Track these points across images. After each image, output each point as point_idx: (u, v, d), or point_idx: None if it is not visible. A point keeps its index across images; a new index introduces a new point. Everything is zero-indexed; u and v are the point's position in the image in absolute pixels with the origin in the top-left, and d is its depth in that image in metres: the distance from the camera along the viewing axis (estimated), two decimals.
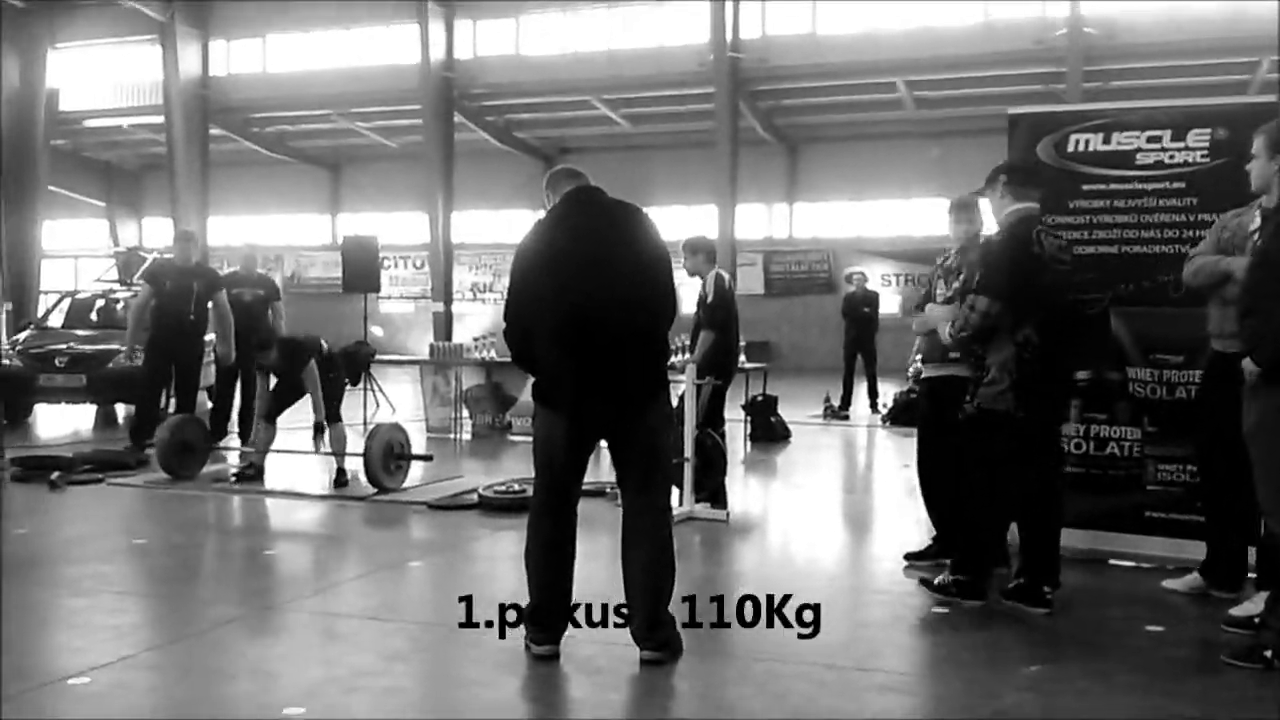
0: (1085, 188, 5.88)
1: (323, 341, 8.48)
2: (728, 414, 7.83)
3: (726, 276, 7.56)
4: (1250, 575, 4.93)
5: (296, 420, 8.49)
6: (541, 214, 4.40)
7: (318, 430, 8.09)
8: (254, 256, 11.11)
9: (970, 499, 5.05)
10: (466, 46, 26.35)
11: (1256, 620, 4.36)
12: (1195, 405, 5.29)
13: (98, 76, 29.46)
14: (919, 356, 6.48)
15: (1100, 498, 5.85)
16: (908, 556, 5.86)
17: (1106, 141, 5.88)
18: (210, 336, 9.92)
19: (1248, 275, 4.23)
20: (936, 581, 5.06)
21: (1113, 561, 5.80)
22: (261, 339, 8.55)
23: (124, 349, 9.99)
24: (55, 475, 8.11)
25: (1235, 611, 4.67)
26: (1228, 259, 4.72)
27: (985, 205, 5.33)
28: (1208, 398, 4.99)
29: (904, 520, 7.31)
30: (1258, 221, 4.52)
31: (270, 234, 32.40)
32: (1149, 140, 5.78)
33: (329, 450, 8.16)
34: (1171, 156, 5.60)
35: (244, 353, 9.50)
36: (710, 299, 7.38)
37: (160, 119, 27.94)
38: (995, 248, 4.98)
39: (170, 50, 27.16)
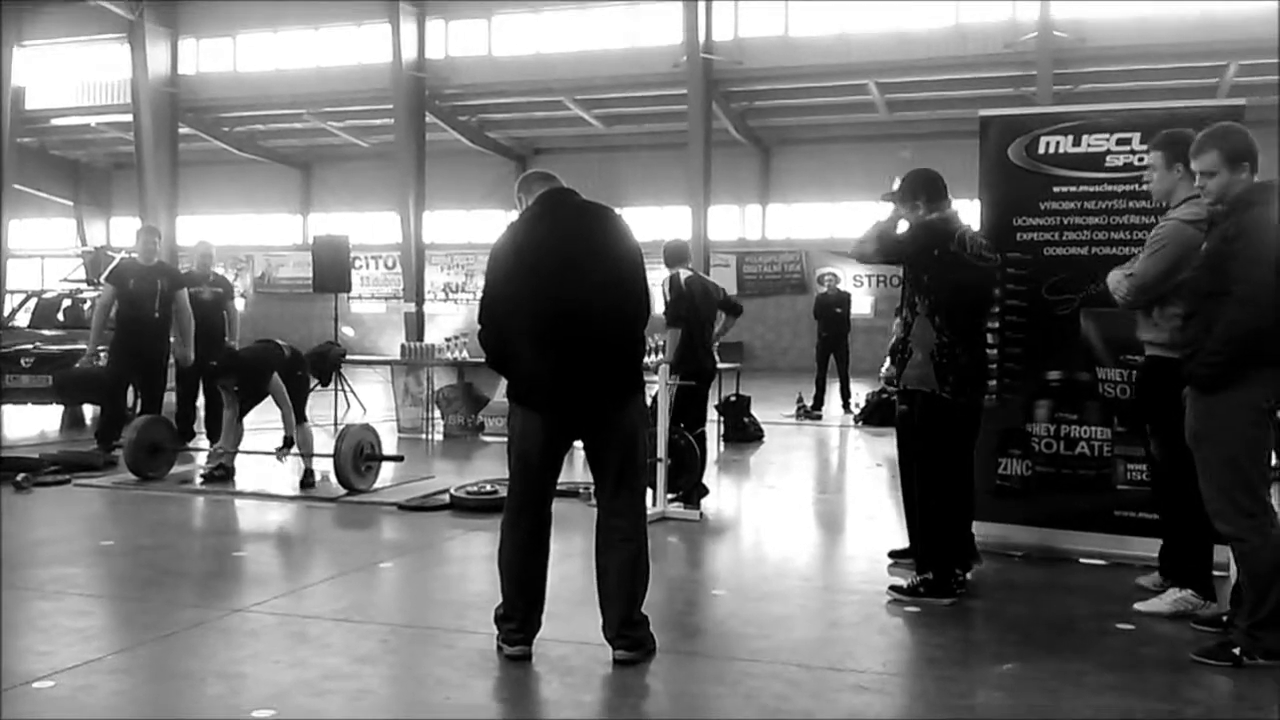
0: (1056, 189, 5.92)
1: (281, 344, 8.39)
2: None
3: (685, 275, 7.76)
4: (1216, 574, 4.97)
5: (266, 420, 8.42)
6: (514, 215, 4.39)
7: (286, 444, 8.01)
8: (210, 254, 10.75)
9: (923, 495, 5.13)
10: (438, 46, 26.27)
11: (1224, 619, 4.39)
12: (1135, 410, 5.36)
13: (65, 75, 29.17)
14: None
15: (1070, 497, 5.89)
16: (892, 554, 5.89)
17: (1077, 144, 5.92)
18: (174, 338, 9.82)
19: (1192, 279, 4.30)
20: (906, 584, 5.09)
21: (1083, 560, 5.84)
22: (220, 364, 8.41)
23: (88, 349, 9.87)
24: (21, 476, 7.99)
25: (1141, 608, 4.83)
26: (1119, 271, 4.85)
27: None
28: (1144, 402, 5.05)
29: (876, 520, 7.33)
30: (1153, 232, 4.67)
31: (241, 234, 32.18)
32: (1119, 143, 5.83)
33: (298, 451, 8.09)
34: (1141, 159, 5.62)
35: (205, 352, 9.40)
36: (668, 297, 7.67)
37: (129, 117, 27.69)
38: (916, 243, 5.21)
39: (139, 49, 26.93)
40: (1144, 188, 5.54)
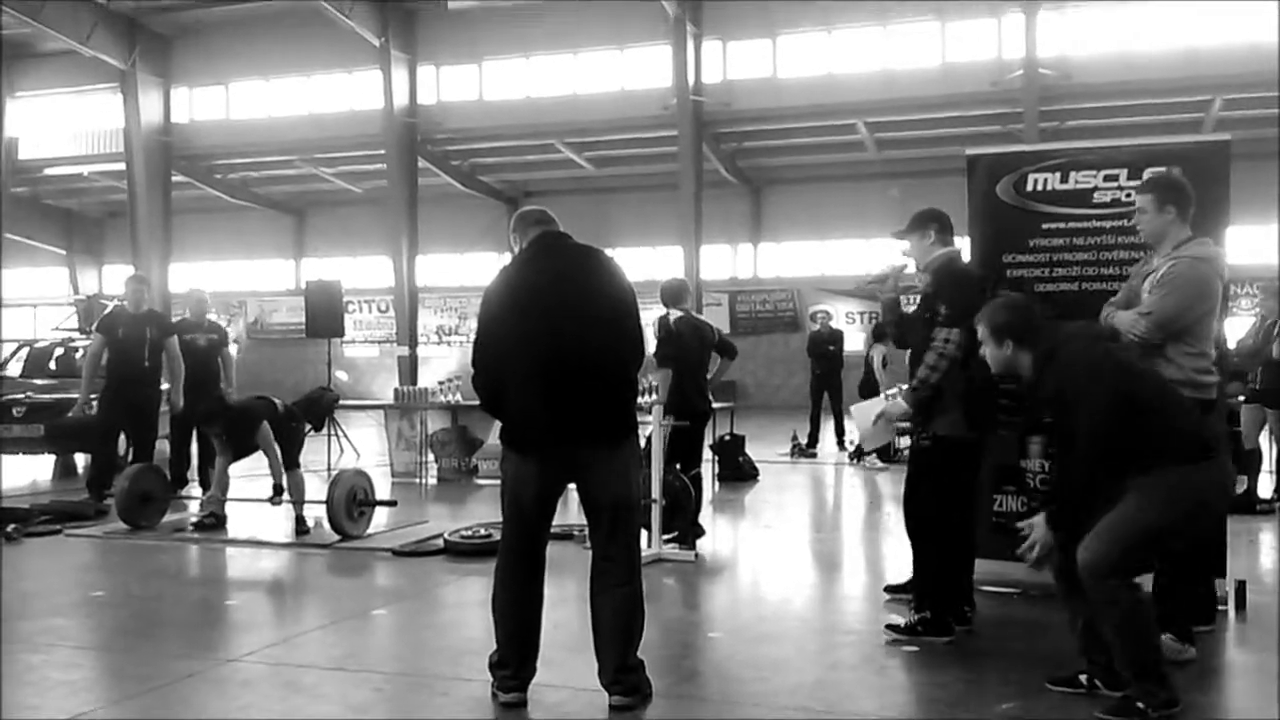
0: (1044, 226, 5.94)
1: (275, 400, 8.40)
2: None
3: (674, 316, 7.81)
4: (1220, 608, 4.94)
5: (258, 468, 8.38)
6: (507, 257, 4.41)
7: (276, 492, 7.98)
8: (204, 300, 10.75)
9: (925, 534, 5.10)
10: (430, 92, 26.46)
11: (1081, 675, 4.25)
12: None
13: (58, 125, 29.32)
14: (894, 391, 6.50)
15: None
16: (888, 589, 5.85)
17: (1064, 180, 5.95)
18: (166, 386, 9.80)
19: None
20: (904, 624, 5.06)
21: None
22: (208, 411, 8.40)
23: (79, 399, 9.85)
24: (11, 527, 7.94)
25: (890, 623, 5.04)
26: (1113, 313, 4.84)
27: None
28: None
29: (874, 558, 7.30)
30: (1162, 270, 4.65)
31: (234, 279, 32.21)
32: (1106, 179, 5.85)
33: (290, 498, 8.05)
34: (1128, 195, 5.64)
35: (198, 398, 9.37)
36: (658, 337, 7.71)
37: (122, 166, 27.79)
38: (956, 281, 5.12)
39: (131, 98, 27.09)
40: (1132, 224, 5.59)
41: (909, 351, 5.53)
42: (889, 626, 5.13)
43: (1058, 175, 5.96)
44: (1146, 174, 5.17)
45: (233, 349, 10.91)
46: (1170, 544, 4.19)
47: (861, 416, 5.51)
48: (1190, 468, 3.94)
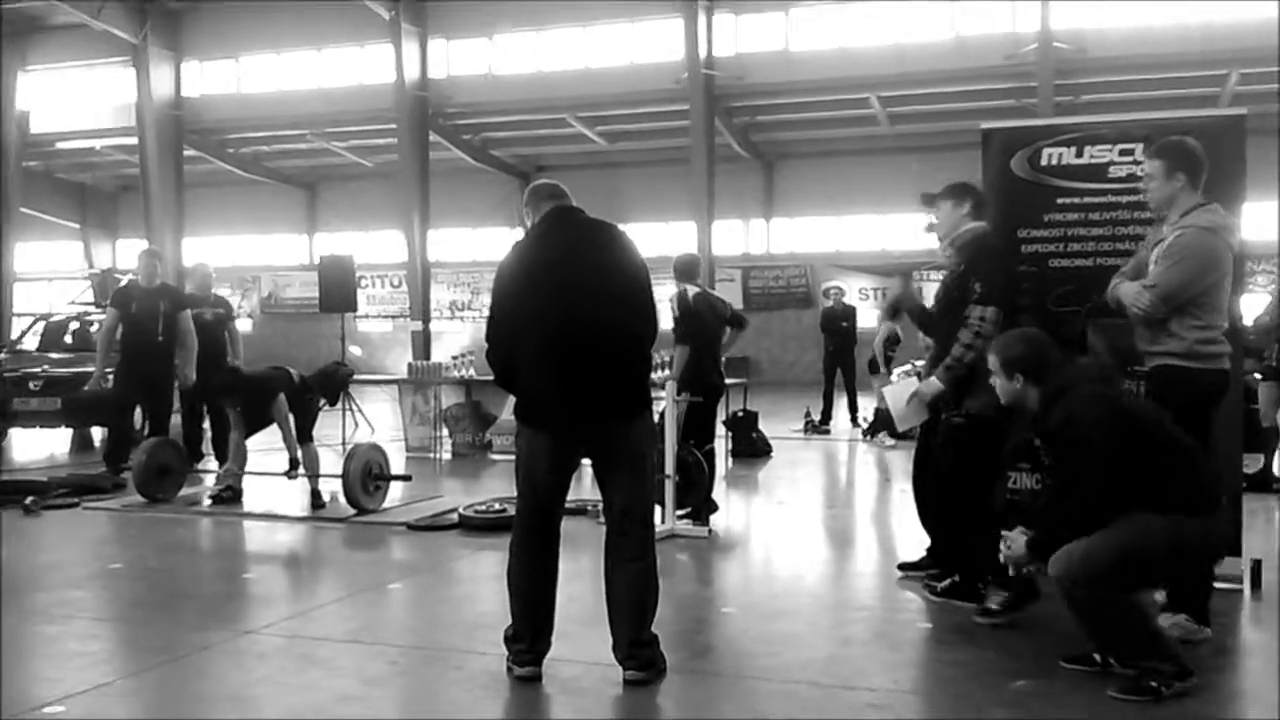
0: (1059, 201, 5.90)
1: (291, 371, 8.41)
2: None
3: (692, 291, 7.71)
4: (1235, 587, 4.94)
5: (274, 442, 8.42)
6: (519, 232, 4.40)
7: (292, 466, 8.01)
8: (209, 275, 10.80)
9: (961, 507, 5.14)
10: (441, 66, 26.35)
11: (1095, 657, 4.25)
12: None
13: (70, 98, 29.30)
14: (908, 368, 6.47)
15: None
16: (901, 567, 5.88)
17: (1079, 155, 5.90)
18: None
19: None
20: (940, 586, 5.13)
21: None
22: (224, 384, 8.43)
23: (95, 372, 9.92)
24: (30, 500, 8.01)
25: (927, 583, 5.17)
26: (1118, 284, 4.80)
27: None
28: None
29: (887, 535, 7.32)
30: (1168, 240, 4.59)
31: (247, 254, 32.27)
32: (1121, 153, 5.81)
33: (305, 472, 8.09)
34: (1144, 169, 5.62)
35: (206, 372, 9.43)
36: (675, 314, 7.61)
37: (134, 140, 27.81)
38: (991, 259, 5.11)
39: (143, 72, 27.05)
40: (1150, 206, 5.56)
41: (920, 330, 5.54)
42: (926, 584, 5.31)
43: (1073, 150, 5.91)
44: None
45: (246, 323, 10.96)
46: (1147, 573, 4.07)
47: (895, 397, 5.48)
48: (1188, 519, 3.93)
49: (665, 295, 7.59)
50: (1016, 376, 4.23)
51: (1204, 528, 3.99)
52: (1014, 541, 4.15)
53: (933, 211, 5.38)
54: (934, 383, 5.15)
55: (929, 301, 5.77)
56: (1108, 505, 3.94)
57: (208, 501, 8.27)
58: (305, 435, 8.12)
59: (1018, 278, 5.24)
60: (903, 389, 5.45)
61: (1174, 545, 3.94)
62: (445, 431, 11.85)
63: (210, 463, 9.82)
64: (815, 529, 8.00)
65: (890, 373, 11.46)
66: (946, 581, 5.20)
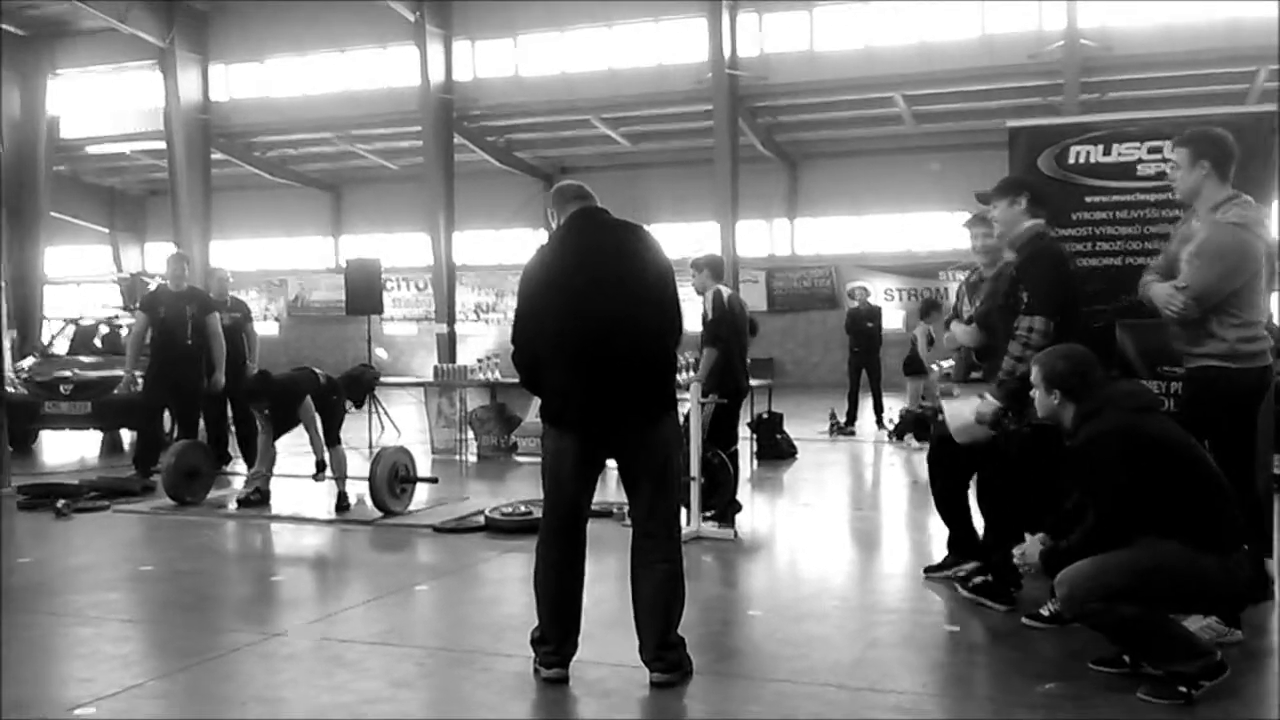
0: (1087, 199, 5.87)
1: (317, 372, 8.44)
2: None
3: (727, 292, 7.65)
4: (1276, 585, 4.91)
5: (302, 444, 8.47)
6: (544, 234, 4.41)
7: (319, 468, 8.05)
8: (226, 279, 10.90)
9: (1000, 506, 5.17)
10: (465, 68, 26.43)
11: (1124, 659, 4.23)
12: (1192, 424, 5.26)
13: (98, 103, 29.57)
14: (948, 364, 6.41)
15: None
16: (928, 570, 5.88)
17: (1107, 153, 5.87)
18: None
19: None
20: (972, 583, 5.12)
21: None
22: (253, 387, 8.49)
23: (124, 376, 10.02)
24: (61, 503, 8.09)
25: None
26: (1149, 284, 4.75)
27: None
28: (1203, 415, 4.75)
29: (913, 537, 7.28)
30: (1199, 238, 4.51)
31: (274, 257, 32.47)
32: (1150, 151, 5.76)
33: (332, 475, 8.13)
34: (1174, 167, 5.58)
35: (230, 377, 9.54)
36: (710, 315, 7.51)
37: (162, 144, 28.03)
38: (1042, 265, 5.01)
39: (170, 75, 27.25)
40: (1176, 196, 5.51)
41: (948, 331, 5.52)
42: (957, 578, 5.39)
43: (1100, 148, 5.87)
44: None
45: (274, 326, 11.06)
46: (1157, 596, 3.94)
47: (955, 416, 5.41)
48: (1204, 555, 3.88)
49: (687, 296, 7.57)
50: (1055, 392, 4.22)
51: (1223, 565, 3.93)
52: (1029, 548, 4.16)
53: (989, 210, 5.33)
54: (991, 401, 5.06)
55: (952, 300, 5.75)
56: (1120, 531, 3.93)
57: (236, 504, 8.31)
58: (333, 437, 8.16)
59: (1070, 278, 5.12)
60: (964, 410, 5.40)
61: (1188, 574, 3.89)
62: (470, 434, 11.88)
63: (238, 465, 9.89)
64: (841, 531, 7.97)
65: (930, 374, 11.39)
66: (979, 579, 5.18)
